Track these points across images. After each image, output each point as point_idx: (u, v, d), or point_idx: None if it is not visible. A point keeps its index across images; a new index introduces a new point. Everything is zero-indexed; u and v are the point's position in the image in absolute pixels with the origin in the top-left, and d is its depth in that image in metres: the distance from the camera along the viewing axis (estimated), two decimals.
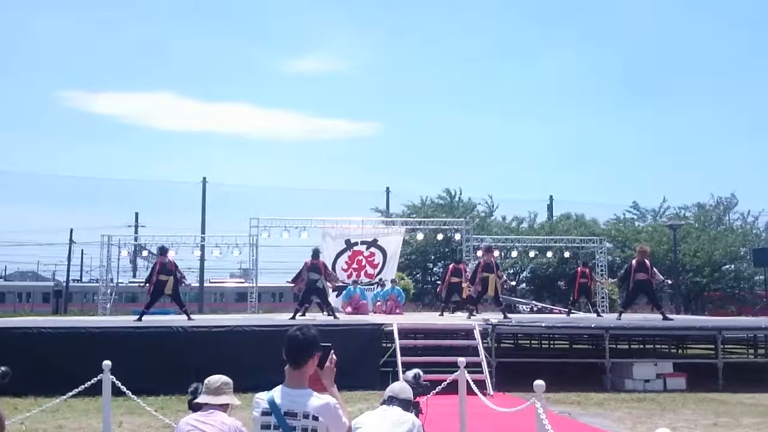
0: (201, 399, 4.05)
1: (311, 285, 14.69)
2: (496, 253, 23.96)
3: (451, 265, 18.72)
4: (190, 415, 4.01)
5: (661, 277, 15.48)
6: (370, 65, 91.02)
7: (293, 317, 14.67)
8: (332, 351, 3.38)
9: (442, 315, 17.71)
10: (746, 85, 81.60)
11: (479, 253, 25.37)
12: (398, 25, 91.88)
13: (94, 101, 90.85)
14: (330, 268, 22.22)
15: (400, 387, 4.30)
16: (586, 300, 19.67)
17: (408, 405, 4.24)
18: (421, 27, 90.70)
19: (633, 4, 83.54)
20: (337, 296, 20.46)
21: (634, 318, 16.47)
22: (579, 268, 17.96)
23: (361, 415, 4.15)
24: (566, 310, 19.15)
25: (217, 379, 4.12)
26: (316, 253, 15.16)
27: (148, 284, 14.71)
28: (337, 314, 15.43)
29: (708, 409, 10.36)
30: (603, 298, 24.92)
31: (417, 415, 5.40)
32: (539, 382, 4.09)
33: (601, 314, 19.15)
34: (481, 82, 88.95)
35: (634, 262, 15.19)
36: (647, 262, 15.10)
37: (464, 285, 17.02)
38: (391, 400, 4.20)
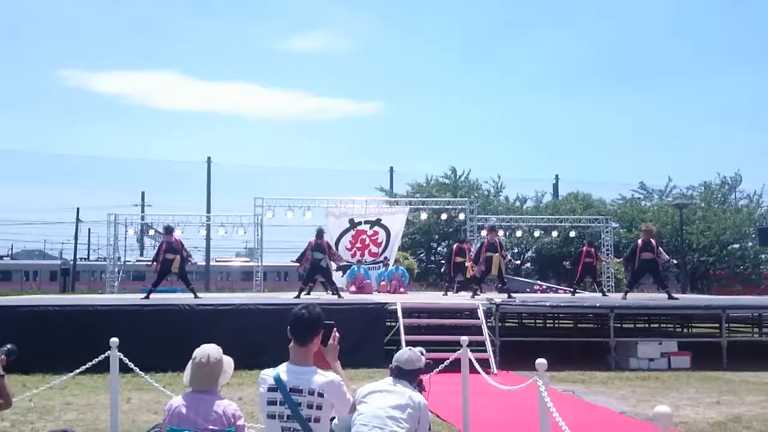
0: (188, 383, 3.48)
1: (315, 264, 14.77)
2: (501, 233, 24.00)
3: (455, 245, 18.77)
4: (179, 398, 3.46)
5: (667, 256, 15.54)
6: (370, 43, 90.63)
7: (298, 296, 14.77)
8: (335, 329, 3.43)
9: (446, 294, 17.78)
10: (748, 67, 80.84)
11: (483, 232, 25.47)
12: (399, 2, 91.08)
13: (95, 80, 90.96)
14: (334, 247, 22.39)
15: (407, 357, 4.10)
16: (591, 280, 19.70)
17: (415, 376, 4.07)
18: (422, 4, 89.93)
19: None
20: (341, 276, 20.56)
21: (639, 297, 16.49)
22: (584, 248, 17.95)
23: (366, 386, 4.10)
24: (571, 289, 19.19)
25: (205, 357, 3.43)
26: (320, 233, 15.22)
27: (155, 263, 14.85)
28: (341, 293, 15.52)
29: (712, 388, 10.40)
30: (609, 277, 24.95)
31: (420, 393, 5.47)
32: (541, 360, 4.12)
33: (607, 294, 19.17)
34: (487, 61, 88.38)
35: (639, 241, 15.25)
36: (653, 241, 15.15)
37: (468, 264, 17.07)
38: (399, 373, 4.06)
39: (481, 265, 14.93)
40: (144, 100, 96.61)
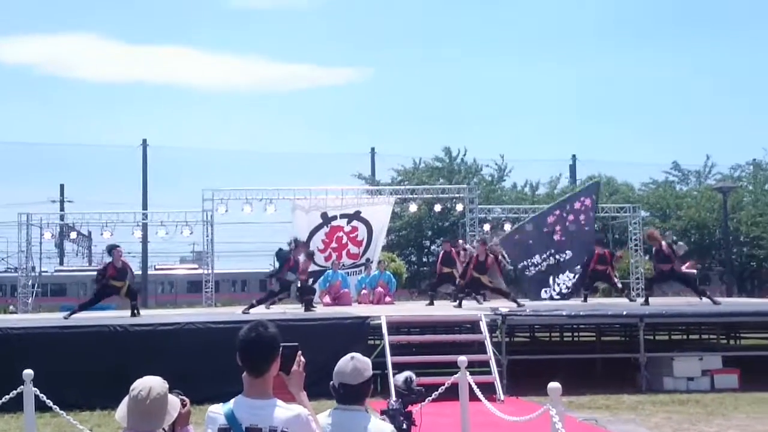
0: (122, 422, 3.41)
1: (286, 285, 15.26)
2: (507, 228, 24.06)
3: (441, 252, 18.78)
4: None
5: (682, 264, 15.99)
6: None
7: (247, 310, 14.85)
8: (299, 352, 3.43)
9: (459, 306, 17.76)
10: None
11: (486, 227, 25.55)
12: None
13: None
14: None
15: (352, 368, 3.72)
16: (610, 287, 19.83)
17: (366, 392, 3.78)
18: None
19: None
20: (312, 282, 20.57)
21: (675, 302, 16.65)
22: (597, 250, 17.95)
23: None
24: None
25: (146, 390, 3.36)
26: (297, 245, 15.64)
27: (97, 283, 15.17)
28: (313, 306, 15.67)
29: (766, 412, 10.54)
30: (638, 279, 25.15)
31: (409, 428, 5.48)
32: (554, 385, 4.18)
33: (635, 299, 19.35)
34: (487, 17, 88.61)
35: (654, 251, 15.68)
36: (664, 247, 15.39)
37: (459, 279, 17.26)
38: (346, 394, 3.71)
39: (465, 281, 15.46)
40: (59, 71, 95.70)
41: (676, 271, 15.41)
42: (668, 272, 15.32)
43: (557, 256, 19.42)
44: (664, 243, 15.34)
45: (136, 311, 14.98)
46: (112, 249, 15.76)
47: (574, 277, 19.33)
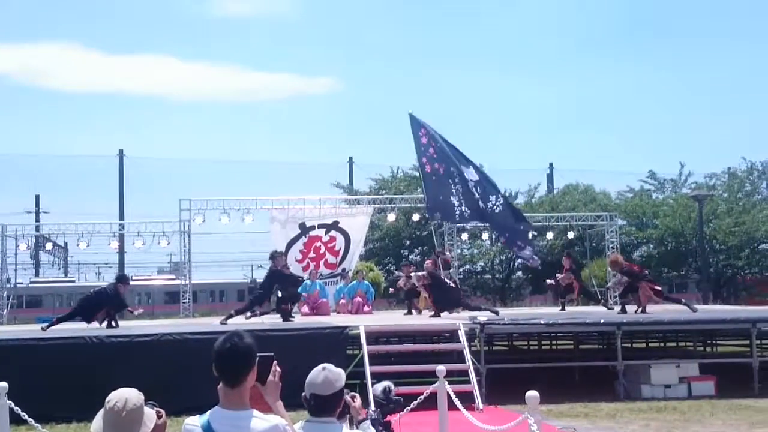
0: None
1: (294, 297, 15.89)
2: (485, 237, 24.12)
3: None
4: None
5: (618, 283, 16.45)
6: (319, 4, 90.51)
7: (225, 321, 14.77)
8: (275, 362, 3.43)
9: (409, 314, 17.80)
10: None
11: (465, 236, 25.60)
12: None
13: None
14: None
15: (323, 379, 3.68)
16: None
17: (338, 402, 3.76)
18: None
19: None
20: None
21: (653, 310, 16.76)
22: (564, 265, 18.15)
23: None
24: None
25: (122, 402, 3.32)
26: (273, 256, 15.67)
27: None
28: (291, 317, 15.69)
29: (741, 419, 10.63)
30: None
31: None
32: (532, 393, 4.19)
33: (612, 307, 19.45)
34: (466, 28, 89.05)
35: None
36: (625, 266, 16.13)
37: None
38: (317, 405, 3.68)
39: None
40: (35, 80, 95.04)
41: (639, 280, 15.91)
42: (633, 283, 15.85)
43: (461, 180, 18.24)
44: (625, 264, 16.33)
45: (113, 322, 14.91)
46: (123, 280, 16.05)
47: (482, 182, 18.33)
